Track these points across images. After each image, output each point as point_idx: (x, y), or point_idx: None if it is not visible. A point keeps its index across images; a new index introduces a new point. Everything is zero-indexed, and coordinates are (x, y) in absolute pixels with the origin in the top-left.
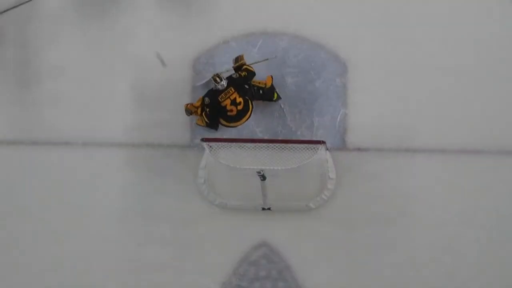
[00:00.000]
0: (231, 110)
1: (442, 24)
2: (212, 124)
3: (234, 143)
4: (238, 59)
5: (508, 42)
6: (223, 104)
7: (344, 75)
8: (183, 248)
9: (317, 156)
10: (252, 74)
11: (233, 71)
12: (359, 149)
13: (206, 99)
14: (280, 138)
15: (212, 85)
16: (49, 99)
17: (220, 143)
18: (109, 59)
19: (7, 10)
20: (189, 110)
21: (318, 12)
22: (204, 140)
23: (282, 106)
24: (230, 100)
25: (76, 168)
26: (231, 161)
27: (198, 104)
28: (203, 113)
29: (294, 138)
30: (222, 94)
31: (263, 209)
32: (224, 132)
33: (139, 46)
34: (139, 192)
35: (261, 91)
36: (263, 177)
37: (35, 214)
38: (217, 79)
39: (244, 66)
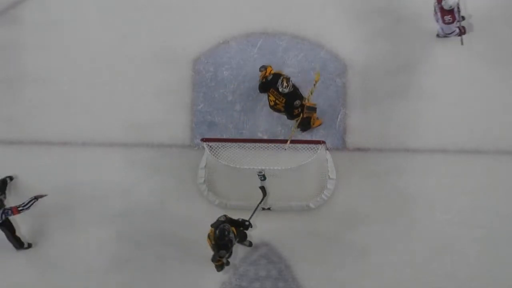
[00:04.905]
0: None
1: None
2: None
3: (234, 143)
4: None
5: (508, 42)
6: (270, 92)
7: (344, 75)
8: (184, 248)
9: (317, 156)
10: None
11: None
12: (359, 149)
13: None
14: (280, 138)
15: (283, 80)
16: (49, 100)
17: (220, 143)
18: (109, 59)
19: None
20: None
21: (318, 13)
22: (204, 140)
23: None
24: (274, 98)
25: (76, 168)
26: (231, 161)
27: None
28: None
29: (294, 138)
30: (275, 92)
31: (263, 209)
32: (224, 132)
33: (140, 46)
34: (139, 192)
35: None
36: (263, 177)
37: (35, 215)
38: (285, 83)
39: (306, 115)
